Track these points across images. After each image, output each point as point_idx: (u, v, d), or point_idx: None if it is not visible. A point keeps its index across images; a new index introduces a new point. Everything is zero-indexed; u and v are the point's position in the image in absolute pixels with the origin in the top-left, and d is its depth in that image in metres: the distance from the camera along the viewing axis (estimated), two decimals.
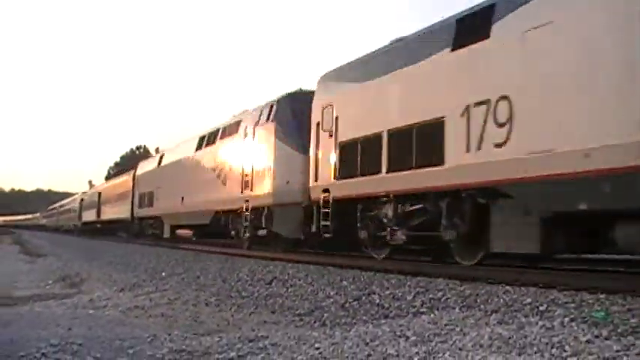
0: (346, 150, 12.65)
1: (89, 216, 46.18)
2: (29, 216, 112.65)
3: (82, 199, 52.12)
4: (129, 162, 69.18)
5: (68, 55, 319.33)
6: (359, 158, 12.18)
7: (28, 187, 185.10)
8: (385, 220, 11.53)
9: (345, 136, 12.72)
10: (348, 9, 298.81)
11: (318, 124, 13.72)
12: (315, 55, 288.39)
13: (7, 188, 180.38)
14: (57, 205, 79.27)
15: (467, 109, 9.47)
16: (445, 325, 5.85)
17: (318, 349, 5.40)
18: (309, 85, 15.05)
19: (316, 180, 13.63)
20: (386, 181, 11.36)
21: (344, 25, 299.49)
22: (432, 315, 6.54)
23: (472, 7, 10.13)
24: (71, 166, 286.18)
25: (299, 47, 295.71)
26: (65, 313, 8.21)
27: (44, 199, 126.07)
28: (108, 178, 66.69)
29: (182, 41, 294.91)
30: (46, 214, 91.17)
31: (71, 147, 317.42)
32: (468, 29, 9.83)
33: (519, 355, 4.58)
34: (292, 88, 16.72)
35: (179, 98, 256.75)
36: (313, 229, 13.54)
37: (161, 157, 28.43)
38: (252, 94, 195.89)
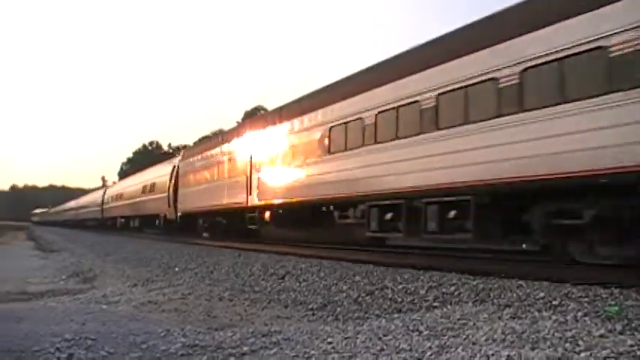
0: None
1: None
2: (85, 200, 62.23)
3: None
4: (141, 158, 68.85)
5: (81, 51, 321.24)
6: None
7: (40, 184, 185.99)
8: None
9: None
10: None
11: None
12: (326, 46, 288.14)
13: (20, 184, 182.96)
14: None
15: None
16: (458, 319, 5.85)
17: (330, 343, 5.41)
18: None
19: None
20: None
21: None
22: (444, 309, 6.53)
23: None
24: (83, 162, 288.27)
25: (312, 39, 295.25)
26: (79, 308, 8.25)
27: (58, 194, 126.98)
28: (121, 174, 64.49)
29: (194, 36, 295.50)
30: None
31: (83, 143, 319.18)
32: None
33: (532, 349, 4.56)
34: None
35: (191, 93, 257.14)
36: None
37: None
38: (264, 88, 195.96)
